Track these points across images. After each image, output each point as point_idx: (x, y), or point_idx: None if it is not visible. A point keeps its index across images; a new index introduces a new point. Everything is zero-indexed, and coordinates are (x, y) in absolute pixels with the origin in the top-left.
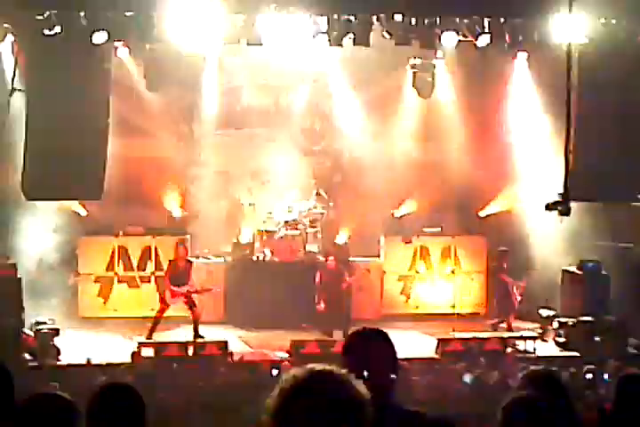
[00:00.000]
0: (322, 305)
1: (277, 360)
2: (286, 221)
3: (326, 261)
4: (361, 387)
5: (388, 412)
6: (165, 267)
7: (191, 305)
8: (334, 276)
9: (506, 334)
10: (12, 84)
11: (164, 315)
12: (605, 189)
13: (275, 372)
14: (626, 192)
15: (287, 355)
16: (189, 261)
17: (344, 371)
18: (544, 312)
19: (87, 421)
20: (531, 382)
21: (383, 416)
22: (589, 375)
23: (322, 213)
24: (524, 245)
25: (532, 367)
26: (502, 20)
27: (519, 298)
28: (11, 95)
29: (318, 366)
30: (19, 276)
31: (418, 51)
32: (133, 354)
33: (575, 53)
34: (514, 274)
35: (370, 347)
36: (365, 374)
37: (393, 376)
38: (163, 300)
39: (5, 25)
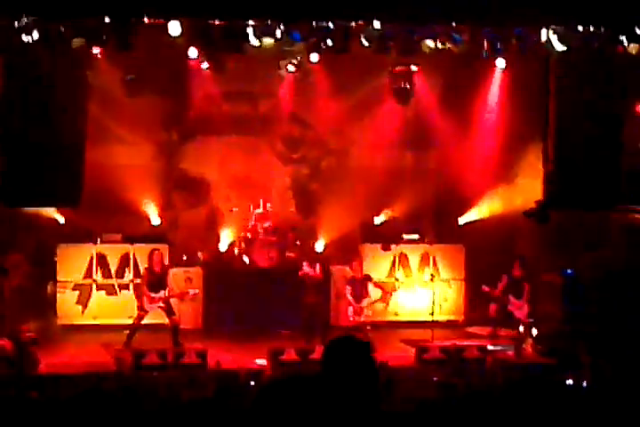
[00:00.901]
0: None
1: (256, 367)
2: (265, 228)
3: (308, 266)
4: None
5: (370, 417)
6: (142, 274)
7: (169, 312)
8: (313, 282)
9: (485, 342)
10: None
11: (143, 322)
12: (584, 198)
13: (252, 382)
14: (604, 201)
15: (266, 362)
16: (165, 267)
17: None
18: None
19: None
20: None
21: (366, 422)
22: (569, 382)
23: (300, 221)
24: (503, 252)
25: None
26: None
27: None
28: None
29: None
30: None
31: (396, 58)
32: (113, 362)
33: (553, 61)
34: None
35: (349, 354)
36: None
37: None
38: (140, 307)
39: None
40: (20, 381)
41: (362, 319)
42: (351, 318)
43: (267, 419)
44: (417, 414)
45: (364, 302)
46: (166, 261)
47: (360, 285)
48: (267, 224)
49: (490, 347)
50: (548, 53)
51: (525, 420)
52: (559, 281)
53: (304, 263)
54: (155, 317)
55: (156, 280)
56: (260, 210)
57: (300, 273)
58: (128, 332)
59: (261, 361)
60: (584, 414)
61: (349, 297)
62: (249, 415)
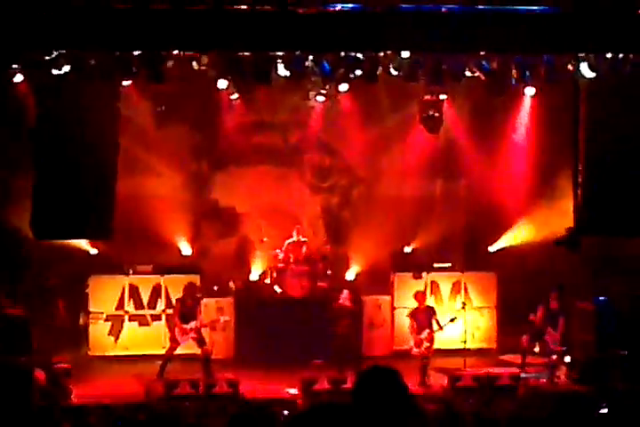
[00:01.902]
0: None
1: (288, 397)
2: (296, 258)
3: (340, 295)
4: None
5: None
6: (174, 305)
7: (200, 342)
8: (346, 311)
9: (518, 370)
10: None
11: (175, 353)
12: (614, 225)
13: (285, 411)
14: (635, 227)
15: (298, 392)
16: (197, 298)
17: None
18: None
19: None
20: None
21: None
22: (604, 410)
23: (331, 250)
24: (535, 279)
25: None
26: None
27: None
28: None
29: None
30: (28, 315)
31: (425, 86)
32: (145, 392)
33: (582, 89)
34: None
35: (381, 385)
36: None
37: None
38: (172, 338)
39: (14, 65)
40: (54, 412)
41: (422, 351)
42: (415, 350)
43: None
44: None
45: (424, 334)
46: (198, 293)
47: (423, 316)
48: (298, 254)
49: (523, 375)
50: (577, 80)
51: None
52: (592, 308)
53: (344, 291)
54: (187, 347)
55: (187, 311)
56: (291, 239)
57: (338, 302)
58: (160, 363)
59: (293, 391)
60: None
61: (411, 328)
62: None
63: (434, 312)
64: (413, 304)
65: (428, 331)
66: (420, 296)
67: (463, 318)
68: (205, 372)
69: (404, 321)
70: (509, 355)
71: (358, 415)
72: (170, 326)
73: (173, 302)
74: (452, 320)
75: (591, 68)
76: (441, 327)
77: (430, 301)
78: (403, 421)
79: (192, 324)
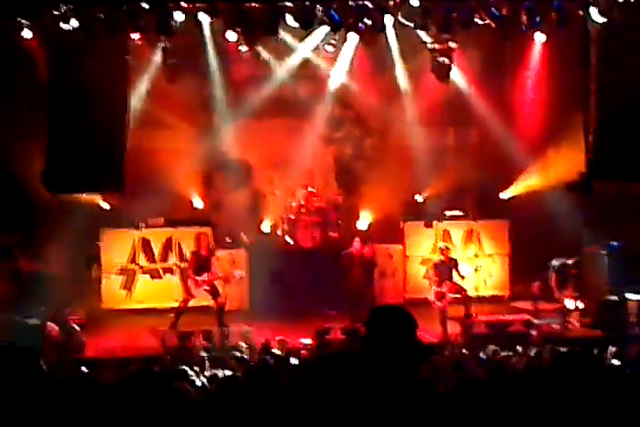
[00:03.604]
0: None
1: (301, 347)
2: (308, 209)
3: (352, 242)
4: None
5: (412, 388)
6: (188, 257)
7: (214, 294)
8: (358, 260)
9: (530, 316)
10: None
11: (188, 305)
12: (627, 169)
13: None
14: None
15: (311, 341)
16: (211, 250)
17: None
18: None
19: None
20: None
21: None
22: (615, 362)
23: (343, 200)
24: (547, 226)
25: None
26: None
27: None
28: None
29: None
30: (42, 270)
31: (435, 35)
32: (159, 345)
33: (593, 35)
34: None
35: (392, 323)
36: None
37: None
38: (186, 290)
39: (23, 21)
40: (68, 365)
41: (444, 303)
42: (438, 304)
43: (311, 396)
44: (462, 391)
45: (444, 287)
46: (211, 245)
47: (445, 268)
48: (309, 204)
49: (535, 321)
50: (587, 26)
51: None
52: (605, 253)
53: (356, 239)
54: (200, 299)
55: (201, 263)
56: (303, 190)
57: (349, 251)
58: (174, 315)
59: (307, 340)
60: (633, 386)
61: (433, 281)
62: (294, 393)
63: (456, 264)
64: (425, 253)
65: (449, 283)
66: (445, 252)
67: (476, 266)
68: (219, 323)
69: (416, 270)
70: (522, 301)
71: (368, 360)
72: (183, 278)
73: (185, 254)
74: (475, 270)
75: (601, 12)
76: (462, 278)
77: None
78: (412, 359)
79: (205, 276)
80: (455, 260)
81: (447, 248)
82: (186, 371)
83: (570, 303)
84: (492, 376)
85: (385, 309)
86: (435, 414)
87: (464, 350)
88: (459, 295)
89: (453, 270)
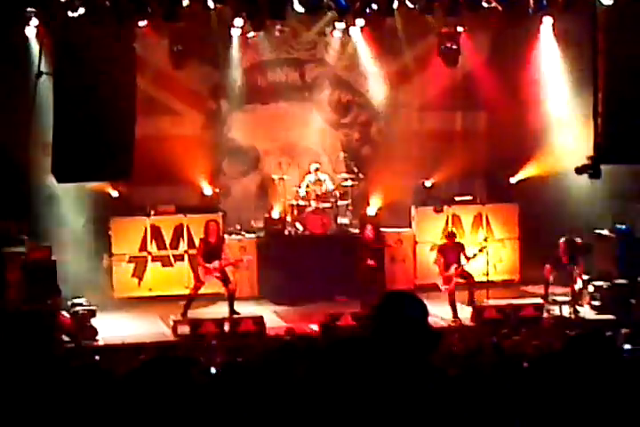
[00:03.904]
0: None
1: (311, 333)
2: (317, 195)
3: (364, 230)
4: None
5: (423, 372)
6: (198, 244)
7: (225, 281)
8: (369, 246)
9: (541, 300)
10: (39, 67)
11: (199, 292)
12: (635, 152)
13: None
14: None
15: (318, 328)
16: (221, 237)
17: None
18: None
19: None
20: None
21: (419, 379)
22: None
23: (352, 186)
24: (556, 209)
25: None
26: None
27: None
28: (37, 79)
29: None
30: (53, 258)
31: (442, 19)
32: (170, 332)
33: (600, 17)
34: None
35: (402, 308)
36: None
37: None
38: (197, 277)
39: (29, 9)
40: (80, 353)
41: (452, 287)
42: (445, 287)
43: (322, 382)
44: (473, 375)
45: (451, 270)
46: (221, 232)
47: (452, 252)
48: (318, 190)
49: (546, 306)
50: (595, 8)
51: (585, 379)
52: (614, 237)
53: (368, 226)
54: (211, 286)
55: (211, 250)
56: (312, 176)
57: (361, 237)
58: (185, 303)
59: (315, 327)
60: None
61: (439, 265)
62: (304, 379)
63: (462, 248)
64: (435, 239)
65: (455, 266)
66: (450, 235)
67: (485, 251)
68: (230, 310)
69: (426, 256)
70: (533, 286)
71: (379, 346)
72: (194, 265)
73: (196, 241)
74: (480, 251)
75: None
76: (468, 259)
77: None
78: (423, 345)
79: (216, 263)
80: (461, 244)
81: (452, 232)
82: (197, 359)
83: (579, 283)
84: (502, 361)
85: (396, 295)
86: (447, 398)
87: (474, 335)
88: (463, 280)
89: (461, 254)
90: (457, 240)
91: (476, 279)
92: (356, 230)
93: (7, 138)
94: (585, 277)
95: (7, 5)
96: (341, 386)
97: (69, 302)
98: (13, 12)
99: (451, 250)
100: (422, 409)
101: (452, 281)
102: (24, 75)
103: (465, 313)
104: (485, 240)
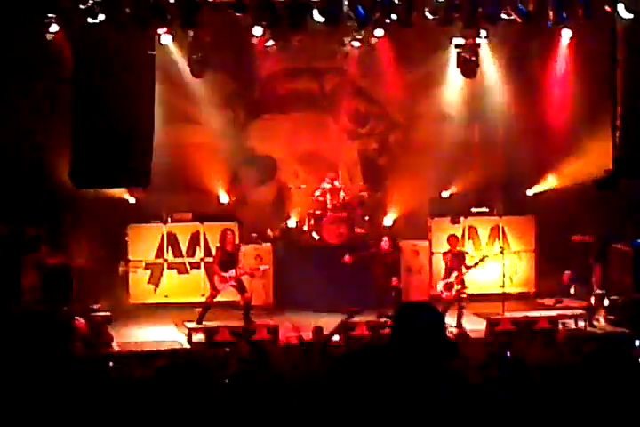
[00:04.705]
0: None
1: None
2: (333, 204)
3: (380, 242)
4: None
5: (441, 380)
6: (214, 253)
7: (241, 290)
8: (385, 258)
9: (556, 313)
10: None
11: (214, 300)
12: None
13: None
14: None
15: (339, 338)
16: (237, 246)
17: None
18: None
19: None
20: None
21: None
22: None
23: (368, 196)
24: (573, 223)
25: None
26: None
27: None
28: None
29: None
30: (69, 264)
31: (461, 30)
32: (185, 340)
33: (620, 31)
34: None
35: (419, 318)
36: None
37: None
38: (212, 286)
39: (49, 15)
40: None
41: (454, 294)
42: (445, 293)
43: (340, 392)
44: (486, 387)
45: (452, 277)
46: (237, 240)
47: (453, 259)
48: (335, 200)
49: (561, 319)
50: (614, 22)
51: (600, 392)
52: (631, 251)
53: (384, 238)
54: (227, 294)
55: (227, 259)
56: (329, 186)
57: (377, 249)
58: (200, 310)
59: (335, 337)
60: None
61: (442, 271)
62: (324, 388)
63: (464, 258)
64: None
65: (456, 273)
66: (452, 240)
67: (501, 263)
68: (245, 319)
69: (442, 266)
70: (549, 298)
71: (395, 354)
72: (209, 273)
73: (212, 249)
74: (481, 260)
75: (628, 8)
76: (468, 268)
77: (469, 246)
78: (440, 356)
79: (232, 272)
80: (463, 253)
81: (455, 237)
82: (211, 366)
83: (596, 296)
84: (517, 374)
85: (413, 305)
86: (466, 408)
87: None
88: (459, 287)
89: (462, 264)
90: (459, 249)
91: (492, 291)
92: (371, 241)
93: (26, 143)
94: (600, 291)
95: (28, 11)
96: (361, 394)
97: (85, 308)
98: (34, 17)
99: (452, 257)
100: (441, 416)
101: (453, 288)
102: (43, 80)
103: (480, 325)
104: (502, 252)
